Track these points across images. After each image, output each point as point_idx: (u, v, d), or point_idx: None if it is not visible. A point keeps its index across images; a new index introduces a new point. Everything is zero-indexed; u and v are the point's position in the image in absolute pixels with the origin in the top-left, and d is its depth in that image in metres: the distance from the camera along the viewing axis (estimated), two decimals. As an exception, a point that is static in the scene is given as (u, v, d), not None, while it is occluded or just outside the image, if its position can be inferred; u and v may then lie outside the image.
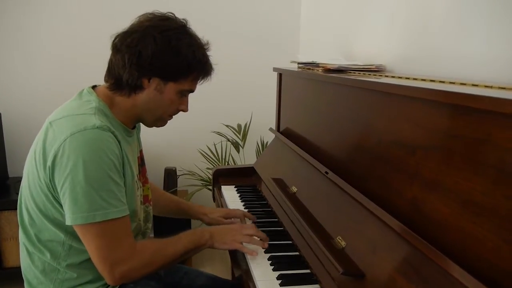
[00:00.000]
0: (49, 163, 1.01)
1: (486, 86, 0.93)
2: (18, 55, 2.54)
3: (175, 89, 1.13)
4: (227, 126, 2.71)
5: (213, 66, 1.18)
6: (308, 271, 1.13)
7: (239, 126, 2.72)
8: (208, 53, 1.17)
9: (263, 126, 2.35)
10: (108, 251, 1.02)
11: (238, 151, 2.68)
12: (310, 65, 1.70)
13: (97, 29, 2.56)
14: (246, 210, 1.55)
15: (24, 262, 1.14)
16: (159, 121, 1.20)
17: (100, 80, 1.21)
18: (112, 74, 1.11)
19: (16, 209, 1.17)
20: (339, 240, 1.09)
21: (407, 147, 0.96)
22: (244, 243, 1.20)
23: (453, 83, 1.03)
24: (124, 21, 1.13)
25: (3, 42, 2.51)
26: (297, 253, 1.22)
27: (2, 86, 2.55)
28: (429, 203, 0.88)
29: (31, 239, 1.10)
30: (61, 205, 1.03)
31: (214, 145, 2.69)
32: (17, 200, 1.16)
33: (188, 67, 1.11)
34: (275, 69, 1.95)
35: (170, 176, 2.63)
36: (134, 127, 1.22)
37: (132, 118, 1.17)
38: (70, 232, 1.06)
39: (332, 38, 2.24)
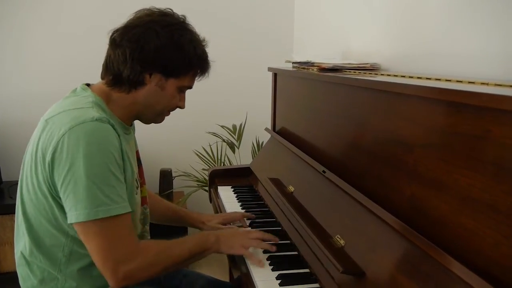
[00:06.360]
0: (48, 159, 0.98)
1: (482, 83, 0.94)
2: (11, 58, 2.52)
3: (176, 85, 1.13)
4: (222, 126, 2.71)
5: (211, 62, 1.18)
6: (307, 270, 1.13)
7: (234, 126, 2.71)
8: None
9: (258, 126, 2.35)
10: (110, 250, 0.98)
11: (234, 152, 2.68)
12: (305, 65, 1.70)
13: (92, 32, 2.55)
14: (243, 210, 1.55)
15: (23, 273, 1.10)
16: (159, 117, 1.19)
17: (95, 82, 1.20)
18: (111, 70, 1.09)
19: (10, 213, 1.15)
20: (338, 239, 1.09)
21: (405, 145, 0.96)
22: (251, 249, 1.17)
23: (449, 80, 1.04)
24: (119, 22, 1.11)
25: (-6, 45, 2.49)
26: (296, 253, 1.22)
27: (-5, 90, 2.53)
28: (428, 200, 0.88)
29: (29, 246, 1.07)
30: (61, 206, 1.01)
31: (210, 145, 2.69)
32: (11, 204, 1.14)
33: (189, 63, 1.11)
34: (270, 69, 1.95)
35: (166, 177, 2.62)
36: (131, 124, 1.20)
37: (130, 115, 1.15)
38: (71, 235, 1.04)
39: (326, 37, 2.25)
